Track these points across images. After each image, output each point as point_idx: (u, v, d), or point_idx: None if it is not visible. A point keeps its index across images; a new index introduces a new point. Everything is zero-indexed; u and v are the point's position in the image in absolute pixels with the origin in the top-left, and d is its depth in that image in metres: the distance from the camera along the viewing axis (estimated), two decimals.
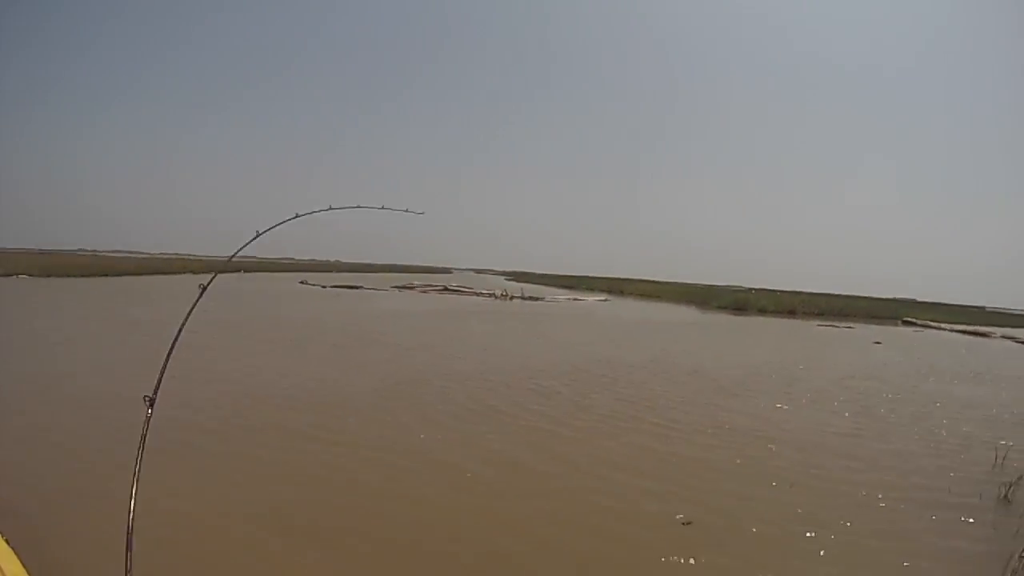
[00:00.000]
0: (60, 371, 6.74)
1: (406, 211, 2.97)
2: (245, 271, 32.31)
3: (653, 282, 48.54)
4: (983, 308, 49.20)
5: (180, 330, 1.56)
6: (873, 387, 9.44)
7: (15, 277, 22.24)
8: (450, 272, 60.57)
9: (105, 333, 10.02)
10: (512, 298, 26.48)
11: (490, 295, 27.21)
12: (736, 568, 3.16)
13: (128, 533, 1.18)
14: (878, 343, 17.52)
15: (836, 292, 44.06)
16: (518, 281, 43.32)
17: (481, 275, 68.73)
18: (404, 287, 28.81)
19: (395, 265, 53.74)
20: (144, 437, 1.29)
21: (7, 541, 1.61)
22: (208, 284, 1.70)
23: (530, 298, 27.20)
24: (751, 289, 42.99)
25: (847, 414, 7.32)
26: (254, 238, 2.14)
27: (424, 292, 27.07)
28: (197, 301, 1.66)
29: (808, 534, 3.66)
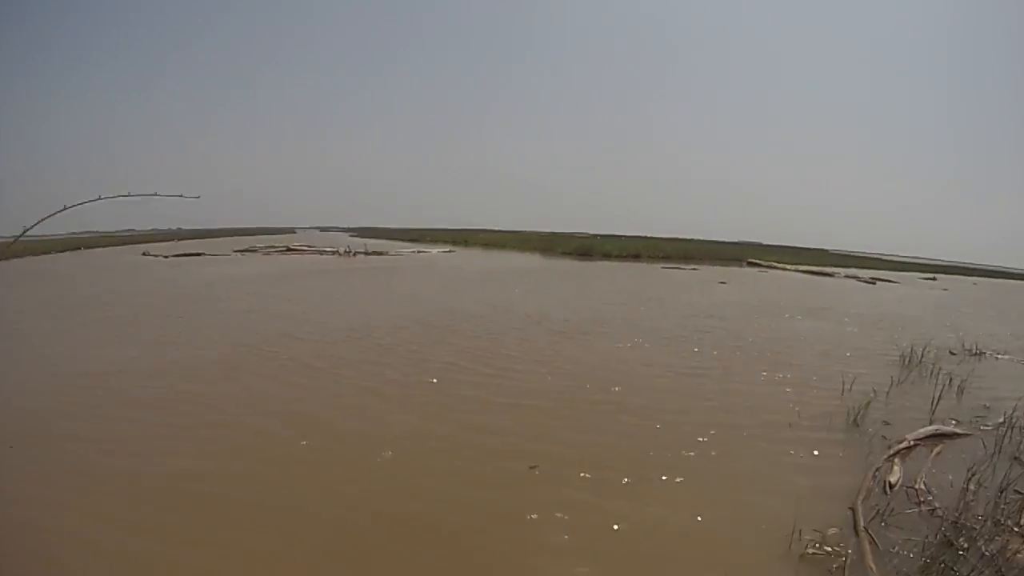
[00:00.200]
0: None
1: (180, 196, 2.75)
2: (85, 247, 30.93)
3: (498, 232, 50.12)
4: (826, 251, 51.15)
5: None
6: (718, 325, 9.86)
7: None
8: (294, 232, 59.52)
9: None
10: (355, 254, 28.17)
11: (333, 252, 28.69)
12: (582, 509, 3.41)
13: None
14: (723, 283, 18.34)
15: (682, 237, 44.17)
16: (363, 237, 44.15)
17: (326, 233, 66.98)
18: (247, 250, 29.29)
19: (238, 229, 52.16)
20: None
21: None
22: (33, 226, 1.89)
23: (374, 253, 29.15)
24: (596, 235, 44.89)
25: (693, 351, 7.69)
26: (60, 211, 2.24)
27: (267, 254, 27.98)
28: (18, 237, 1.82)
29: (662, 476, 3.88)
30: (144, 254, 27.31)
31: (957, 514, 3.41)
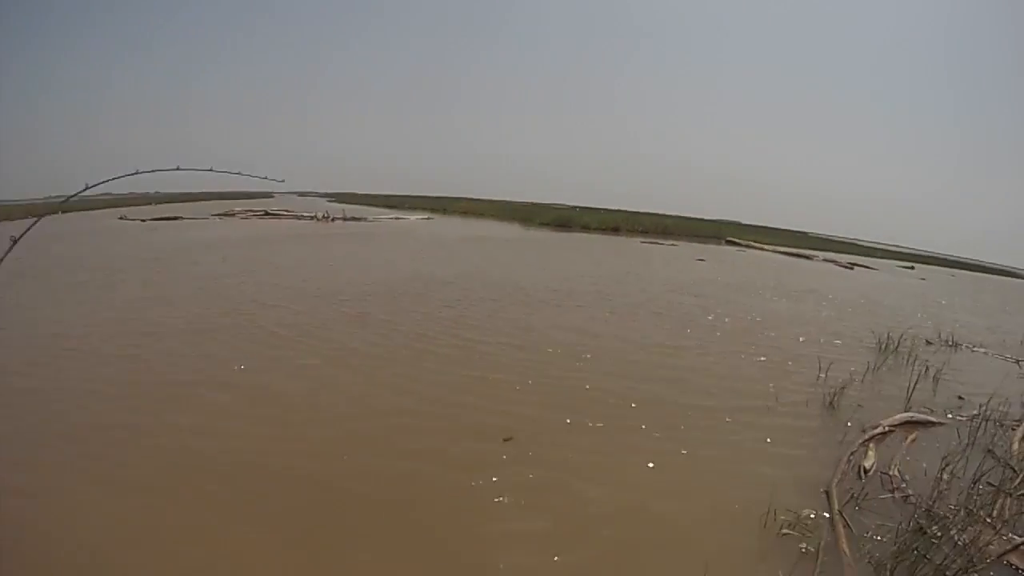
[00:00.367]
0: None
1: (265, 178, 2.74)
2: (63, 211, 30.20)
3: (477, 200, 49.31)
4: (806, 233, 49.87)
5: None
6: (695, 302, 9.82)
7: None
8: (272, 196, 58.51)
9: None
10: (334, 219, 27.75)
11: (311, 217, 28.27)
12: (556, 482, 3.43)
13: None
14: (702, 260, 18.15)
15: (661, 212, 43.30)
16: (341, 203, 43.64)
17: (304, 198, 66.11)
18: (225, 214, 28.63)
19: (216, 193, 50.97)
20: None
21: None
22: (23, 235, 1.79)
23: (352, 219, 28.65)
24: (575, 207, 43.84)
25: (668, 327, 7.67)
26: (84, 190, 2.10)
27: (245, 218, 27.44)
28: (7, 252, 1.78)
29: (634, 456, 3.85)
30: (121, 218, 26.72)
31: (930, 502, 3.41)
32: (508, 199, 55.61)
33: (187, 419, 4.10)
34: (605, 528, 3.11)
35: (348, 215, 30.10)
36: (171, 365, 5.20)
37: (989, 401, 5.17)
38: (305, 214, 29.89)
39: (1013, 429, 4.84)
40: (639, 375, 5.52)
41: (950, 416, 5.18)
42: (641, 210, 41.50)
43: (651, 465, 3.77)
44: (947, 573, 2.76)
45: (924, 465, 4.05)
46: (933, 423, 4.96)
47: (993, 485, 3.69)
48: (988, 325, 11.16)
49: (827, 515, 3.33)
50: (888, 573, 2.83)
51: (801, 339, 7.75)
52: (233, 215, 28.70)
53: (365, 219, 29.21)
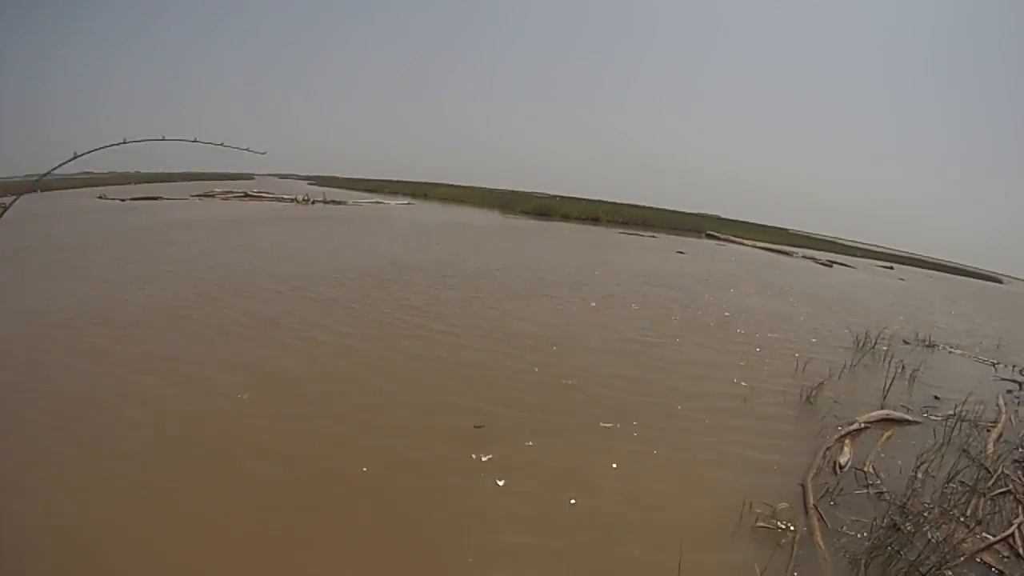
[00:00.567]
0: None
1: (247, 150, 2.67)
2: (42, 190, 29.17)
3: (457, 186, 48.66)
4: (786, 230, 49.33)
5: None
6: (672, 295, 9.78)
7: None
8: (252, 178, 57.54)
9: None
10: (313, 202, 27.40)
11: (291, 200, 27.78)
12: (527, 469, 3.42)
13: None
14: (681, 252, 18.14)
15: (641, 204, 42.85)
16: (321, 186, 43.24)
17: (285, 180, 65.29)
18: (205, 195, 28.04)
19: (196, 173, 49.88)
20: None
21: None
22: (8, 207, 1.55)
23: (332, 202, 28.33)
24: (555, 196, 42.99)
25: (645, 320, 7.59)
26: (71, 159, 1.97)
27: (225, 199, 26.95)
28: None
29: (611, 447, 3.81)
30: (100, 197, 26.09)
31: (905, 499, 3.40)
32: (488, 186, 54.68)
33: (134, 411, 3.90)
34: (576, 525, 3.07)
35: (328, 198, 29.73)
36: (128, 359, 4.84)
37: (965, 402, 5.22)
38: (285, 196, 29.47)
39: (988, 430, 4.89)
40: (610, 370, 5.38)
41: (926, 415, 5.22)
42: (621, 201, 40.85)
43: (620, 463, 3.69)
44: (920, 569, 2.77)
45: (899, 463, 4.07)
46: (909, 421, 4.99)
47: (967, 485, 3.71)
48: (966, 327, 11.32)
49: (803, 509, 3.32)
50: (862, 568, 2.82)
51: (778, 335, 7.73)
52: (213, 196, 28.21)
53: (345, 203, 28.97)
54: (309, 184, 50.41)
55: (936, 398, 5.78)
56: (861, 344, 7.54)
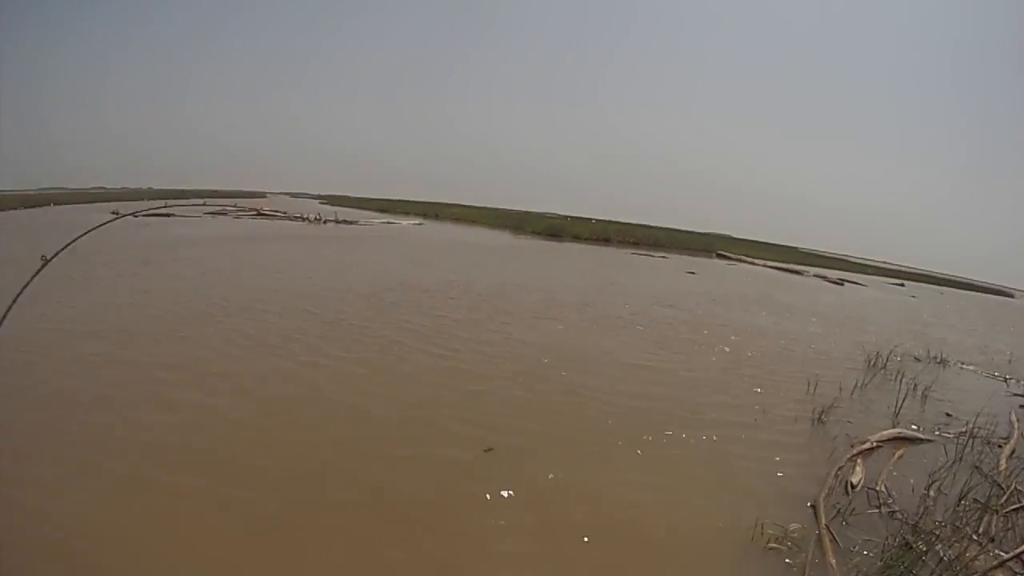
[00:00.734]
0: None
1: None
2: (55, 204, 29.54)
3: (469, 207, 49.49)
4: (797, 248, 50.17)
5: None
6: (683, 316, 9.75)
7: None
8: (264, 197, 58.33)
9: None
10: (325, 222, 27.64)
11: (303, 219, 28.15)
12: (535, 493, 3.40)
13: None
14: (692, 273, 18.18)
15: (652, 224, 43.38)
16: (333, 205, 43.62)
17: (297, 199, 66.02)
18: (217, 212, 28.28)
19: (209, 191, 50.68)
20: None
21: None
22: (55, 255, 2.09)
23: (343, 222, 28.47)
24: (567, 217, 43.71)
25: (655, 341, 7.56)
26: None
27: (237, 217, 27.23)
28: (39, 272, 2.01)
29: (622, 470, 3.80)
30: (113, 212, 26.21)
31: (917, 518, 3.40)
32: (500, 207, 55.87)
33: (153, 416, 4.01)
34: (589, 544, 3.08)
35: (340, 218, 29.93)
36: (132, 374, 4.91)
37: (977, 418, 5.20)
38: (297, 215, 29.71)
39: (1000, 447, 4.86)
40: (617, 394, 5.33)
41: (938, 433, 5.21)
42: (632, 221, 42.02)
43: (635, 481, 3.69)
44: None
45: (911, 481, 4.06)
46: (921, 439, 4.97)
47: (980, 502, 3.69)
48: (977, 343, 11.26)
49: (815, 530, 3.32)
50: None
51: (788, 355, 7.70)
52: (225, 214, 28.42)
53: (356, 223, 29.03)
54: (320, 203, 50.97)
55: (948, 415, 5.76)
56: (872, 362, 7.53)
